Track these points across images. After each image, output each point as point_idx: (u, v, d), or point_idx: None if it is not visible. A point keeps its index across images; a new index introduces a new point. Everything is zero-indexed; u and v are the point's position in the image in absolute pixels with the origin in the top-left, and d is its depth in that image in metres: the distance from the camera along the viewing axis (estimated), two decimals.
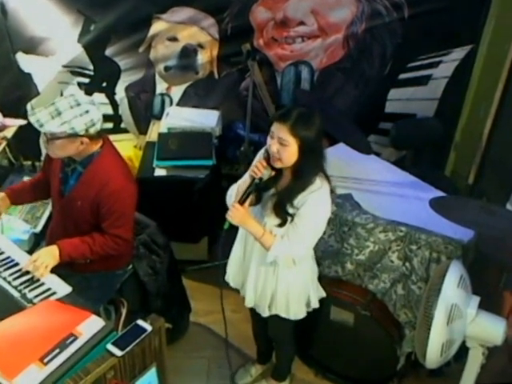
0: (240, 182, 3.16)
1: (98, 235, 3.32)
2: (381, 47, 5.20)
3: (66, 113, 3.04)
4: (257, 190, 3.02)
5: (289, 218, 2.98)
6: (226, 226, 3.00)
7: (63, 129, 3.03)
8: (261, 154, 3.11)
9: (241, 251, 3.38)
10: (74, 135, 3.07)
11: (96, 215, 3.29)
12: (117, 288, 3.55)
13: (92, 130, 3.12)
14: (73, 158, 3.28)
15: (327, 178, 3.00)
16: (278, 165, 2.91)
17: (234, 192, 3.15)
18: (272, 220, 3.04)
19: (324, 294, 3.48)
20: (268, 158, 2.93)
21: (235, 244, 3.43)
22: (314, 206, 2.94)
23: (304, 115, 2.84)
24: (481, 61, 5.01)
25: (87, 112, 3.09)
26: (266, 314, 3.38)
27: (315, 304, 3.42)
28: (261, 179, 2.95)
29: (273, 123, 2.88)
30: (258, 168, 2.93)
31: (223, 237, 3.06)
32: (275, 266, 3.17)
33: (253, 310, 3.51)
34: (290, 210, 2.96)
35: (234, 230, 3.19)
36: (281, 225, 3.02)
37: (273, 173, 3.00)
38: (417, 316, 3.47)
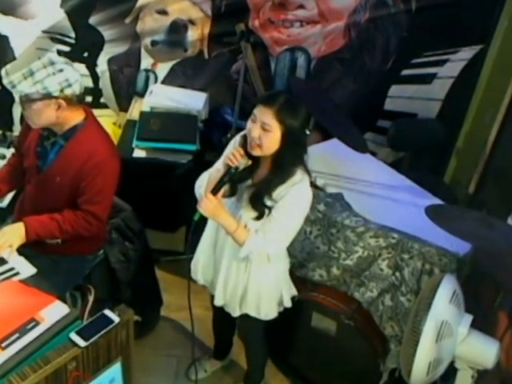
0: (211, 170, 3.13)
1: (69, 212, 3.28)
2: (384, 39, 5.18)
3: (39, 72, 3.02)
4: (231, 181, 2.99)
5: (266, 211, 2.96)
6: (196, 217, 2.96)
7: (35, 89, 3.00)
8: (235, 141, 3.10)
9: (211, 246, 3.35)
10: (47, 96, 3.04)
11: (75, 192, 3.26)
12: (85, 273, 3.53)
13: (68, 92, 3.09)
14: (53, 130, 3.26)
15: (307, 171, 2.98)
16: (256, 152, 2.88)
17: (204, 182, 3.08)
18: (248, 213, 3.02)
19: (296, 293, 3.46)
20: (245, 145, 2.91)
21: (203, 238, 3.40)
22: (295, 200, 2.93)
23: (291, 102, 2.83)
24: (490, 63, 4.99)
25: (61, 71, 3.06)
26: (236, 313, 3.35)
27: (287, 303, 3.39)
28: (237, 168, 2.90)
29: (256, 106, 2.87)
30: (234, 156, 2.88)
31: (193, 229, 3.01)
32: (247, 263, 3.16)
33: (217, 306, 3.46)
34: (268, 203, 2.94)
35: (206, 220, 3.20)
36: (257, 218, 3.00)
37: (249, 162, 2.97)
38: (404, 330, 3.47)
